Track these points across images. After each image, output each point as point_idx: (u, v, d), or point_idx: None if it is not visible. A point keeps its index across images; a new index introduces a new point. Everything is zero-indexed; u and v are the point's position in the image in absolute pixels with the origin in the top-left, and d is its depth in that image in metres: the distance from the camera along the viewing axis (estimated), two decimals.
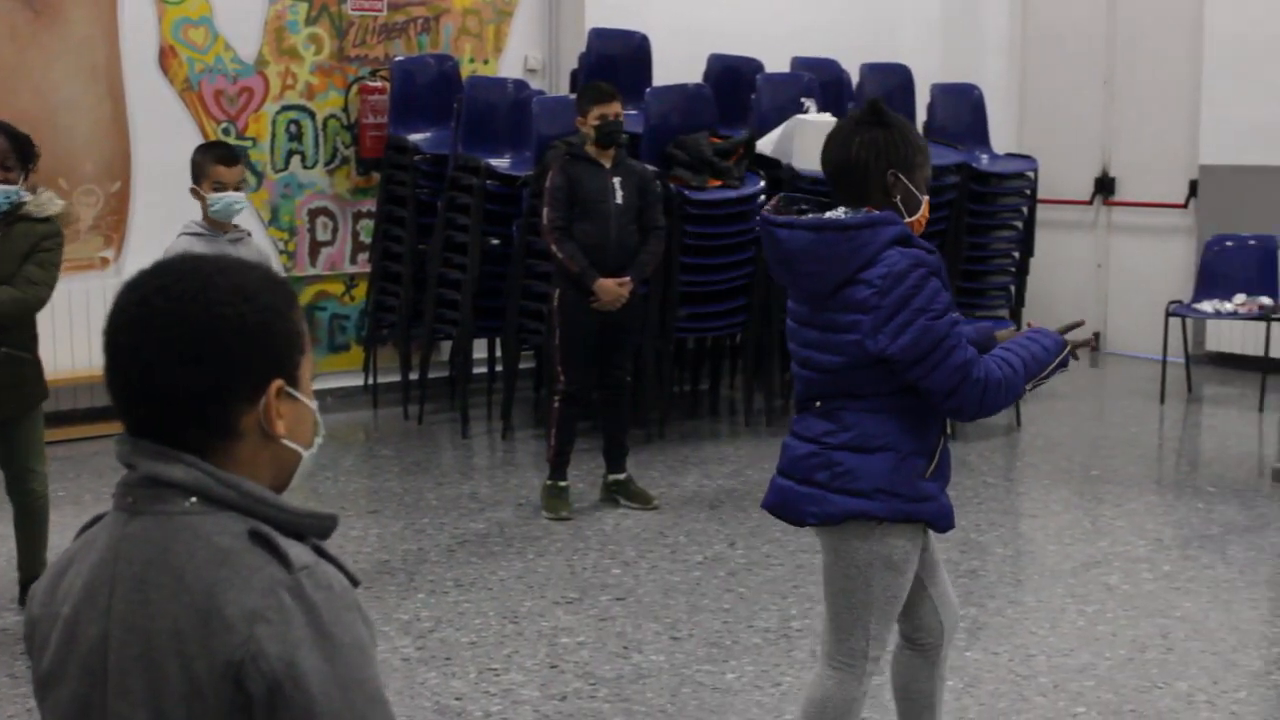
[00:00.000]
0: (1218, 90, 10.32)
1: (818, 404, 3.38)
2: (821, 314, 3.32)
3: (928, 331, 3.21)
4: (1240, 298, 9.30)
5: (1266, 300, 9.19)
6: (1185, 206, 10.73)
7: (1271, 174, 8.64)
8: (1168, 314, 9.45)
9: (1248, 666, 4.91)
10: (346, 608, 1.70)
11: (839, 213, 3.31)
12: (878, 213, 3.27)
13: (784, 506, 3.46)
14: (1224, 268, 9.60)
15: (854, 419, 3.33)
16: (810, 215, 3.33)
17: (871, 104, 3.38)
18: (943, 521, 3.41)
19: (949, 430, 3.50)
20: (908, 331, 3.20)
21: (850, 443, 3.32)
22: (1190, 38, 10.59)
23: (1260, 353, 9.26)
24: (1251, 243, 9.59)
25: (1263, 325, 9.23)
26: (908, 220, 3.32)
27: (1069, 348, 3.45)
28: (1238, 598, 5.63)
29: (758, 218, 3.52)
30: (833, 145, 3.36)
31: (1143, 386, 9.76)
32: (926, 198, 3.39)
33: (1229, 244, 9.69)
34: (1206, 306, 9.40)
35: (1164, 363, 9.41)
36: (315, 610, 1.66)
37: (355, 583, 1.75)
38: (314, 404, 1.86)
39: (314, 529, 1.79)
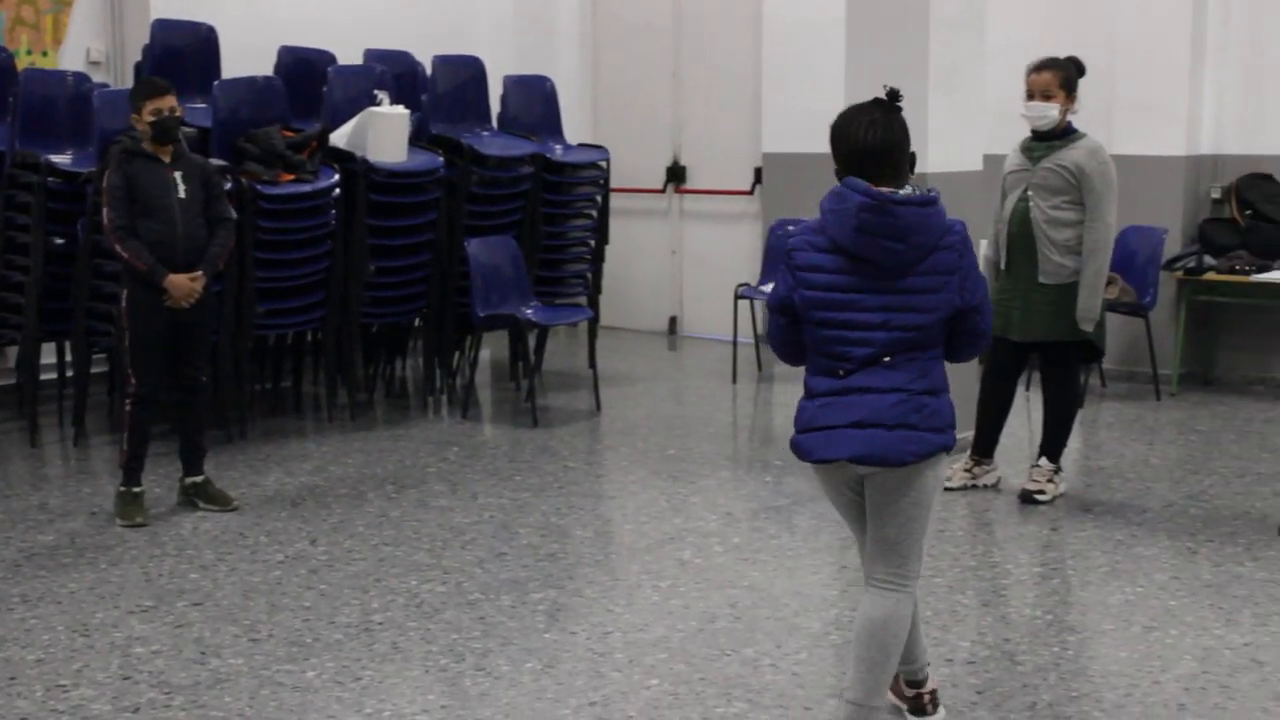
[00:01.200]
0: (777, 81, 10.81)
1: (886, 359, 3.89)
2: (907, 279, 3.86)
3: (982, 282, 3.95)
4: None
5: None
6: (751, 193, 11.20)
7: (828, 161, 9.04)
8: (736, 296, 9.84)
9: (809, 629, 5.18)
10: None
11: (909, 190, 3.87)
12: (926, 190, 3.91)
13: (877, 453, 3.90)
14: None
15: (928, 367, 3.93)
16: (914, 193, 3.86)
17: (893, 91, 3.99)
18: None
19: None
20: (981, 285, 3.94)
21: (929, 388, 3.93)
22: (751, 30, 11.06)
23: None
24: None
25: None
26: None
27: None
28: (801, 565, 5.93)
29: (863, 199, 3.86)
30: (875, 128, 3.94)
31: (716, 367, 10.15)
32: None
33: (791, 228, 10.14)
34: (771, 289, 9.81)
35: (735, 344, 9.80)
36: None
37: None
38: None
39: None
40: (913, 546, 4.03)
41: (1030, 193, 6.55)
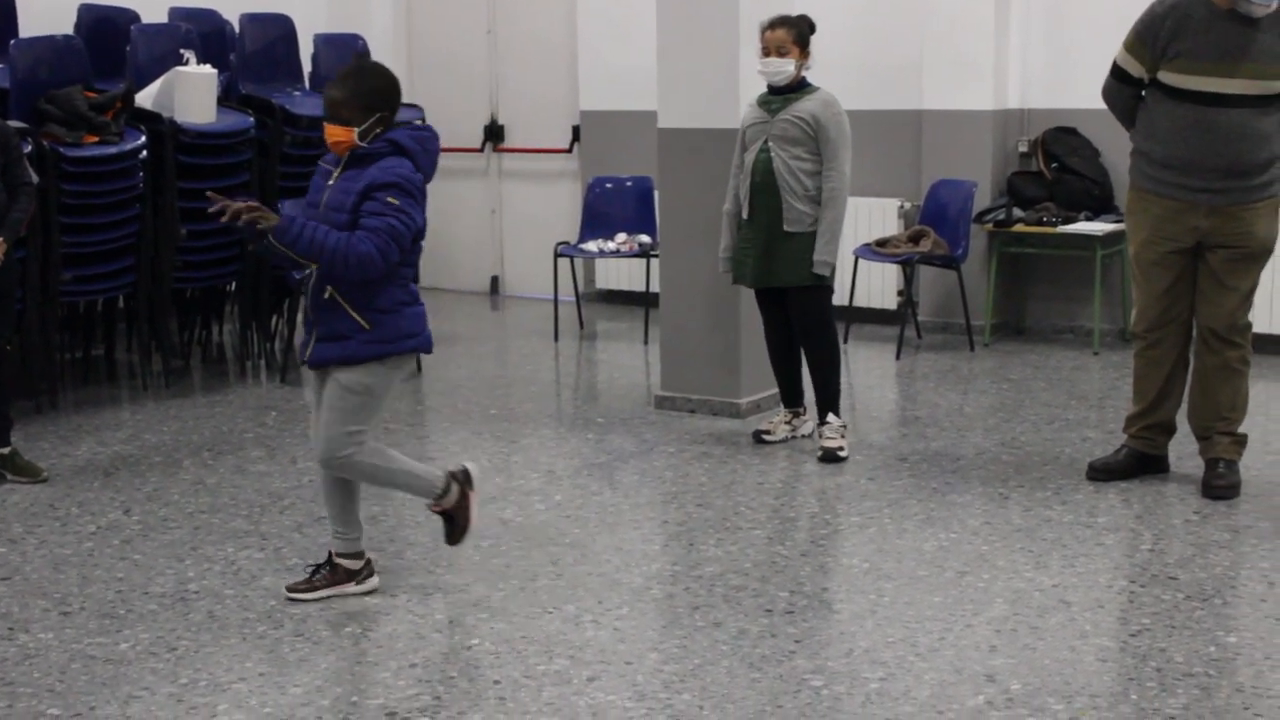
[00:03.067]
0: (593, 40, 10.80)
1: None
2: None
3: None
4: (621, 237, 9.79)
5: (645, 238, 9.71)
6: (570, 151, 11.18)
7: (645, 118, 9.10)
8: (556, 255, 9.83)
9: (630, 584, 5.21)
10: None
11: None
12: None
13: None
14: (606, 208, 10.08)
15: None
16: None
17: (356, 57, 5.04)
18: None
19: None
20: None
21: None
22: None
23: (643, 288, 9.78)
24: (629, 184, 10.10)
25: (643, 262, 9.76)
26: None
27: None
28: (623, 520, 5.96)
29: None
30: None
31: (538, 326, 10.13)
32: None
33: (609, 186, 10.17)
34: (591, 246, 9.84)
35: (555, 302, 9.79)
36: None
37: None
38: None
39: None
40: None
41: (770, 144, 6.66)
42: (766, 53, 6.65)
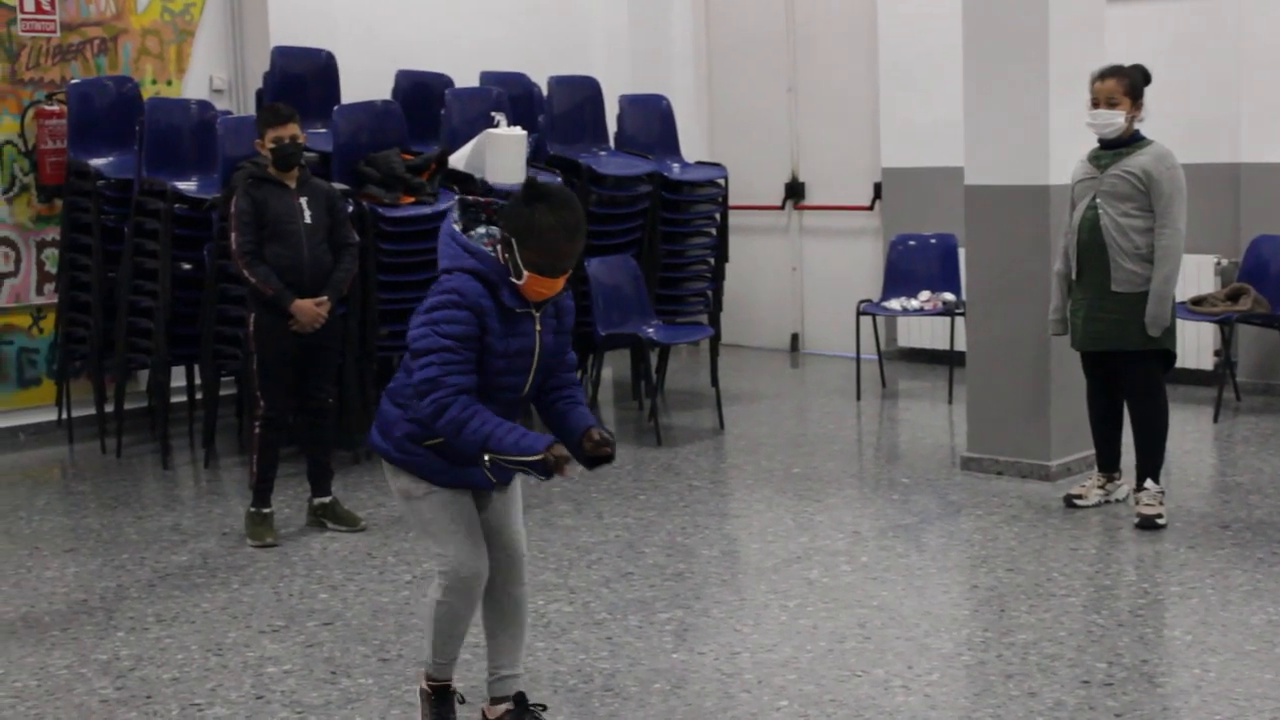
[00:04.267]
0: (895, 96, 10.72)
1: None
2: None
3: (425, 338, 3.97)
4: (925, 294, 9.67)
5: (949, 296, 9.58)
6: (871, 209, 11.11)
7: (948, 175, 9.00)
8: (859, 313, 9.76)
9: (940, 649, 5.10)
10: None
11: (482, 230, 4.12)
12: (481, 246, 4.04)
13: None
14: (908, 266, 9.98)
15: (399, 378, 4.25)
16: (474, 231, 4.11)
17: (529, 182, 4.05)
18: (436, 478, 4.21)
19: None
20: (416, 327, 4.03)
21: (391, 393, 4.27)
22: (866, 44, 10.98)
23: (946, 346, 9.63)
24: (933, 241, 9.99)
25: (947, 320, 9.62)
26: (513, 279, 4.00)
27: (545, 460, 3.92)
28: (931, 584, 5.85)
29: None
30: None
31: (839, 384, 10.06)
32: (542, 278, 3.99)
33: (912, 243, 10.07)
34: (894, 304, 9.75)
35: (858, 360, 9.71)
36: None
37: None
38: None
39: None
40: (424, 543, 4.60)
41: (1099, 200, 6.46)
42: (1096, 104, 6.48)
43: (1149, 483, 6.56)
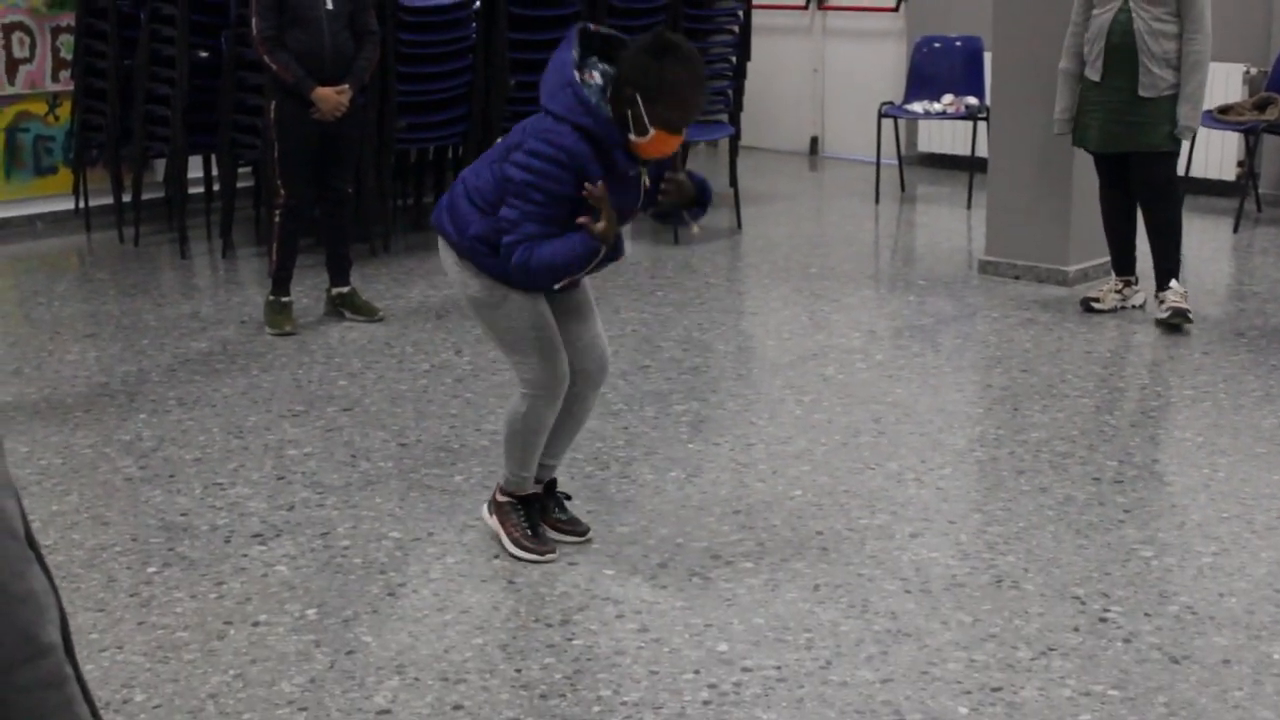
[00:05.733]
0: None
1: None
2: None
3: (515, 180, 3.86)
4: (948, 98, 9.56)
5: (973, 100, 9.47)
6: (896, 10, 10.93)
7: None
8: (880, 115, 9.67)
9: (953, 445, 5.15)
10: None
11: (597, 73, 3.91)
12: (598, 104, 3.82)
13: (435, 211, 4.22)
14: (932, 69, 9.85)
15: (485, 179, 4.03)
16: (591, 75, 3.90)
17: (659, 34, 3.87)
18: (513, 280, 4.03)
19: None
20: (515, 166, 3.86)
21: (471, 193, 4.05)
22: None
23: (968, 152, 9.56)
24: (958, 44, 9.84)
25: (969, 125, 9.52)
26: (632, 137, 3.83)
27: (602, 245, 3.88)
28: (945, 382, 5.89)
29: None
30: (626, 47, 3.93)
31: (858, 187, 10.01)
32: (667, 135, 3.82)
33: (937, 46, 9.92)
34: (917, 107, 9.64)
35: (878, 164, 9.64)
36: None
37: None
38: None
39: None
40: (502, 353, 4.28)
41: (1132, 4, 6.35)
42: None
43: (1173, 282, 6.57)
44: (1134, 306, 6.83)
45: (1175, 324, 6.47)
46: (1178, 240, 6.63)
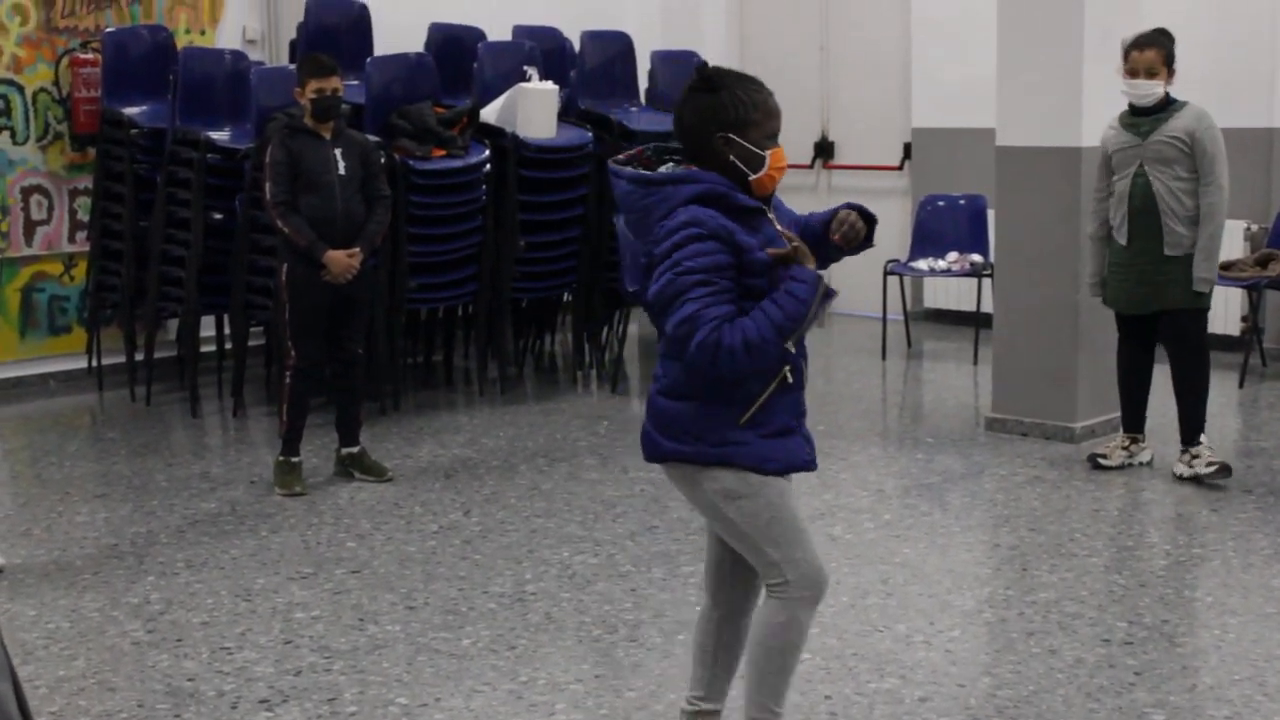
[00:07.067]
0: (926, 55, 10.69)
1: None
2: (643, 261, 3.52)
3: (671, 285, 3.37)
4: (953, 255, 9.67)
5: (977, 257, 9.57)
6: (900, 169, 11.10)
7: (978, 135, 8.98)
8: (886, 273, 9.77)
9: (961, 606, 5.14)
10: None
11: (666, 167, 3.52)
12: (686, 170, 3.47)
13: (642, 444, 3.68)
14: (937, 227, 9.97)
15: (669, 366, 3.56)
16: (631, 169, 3.52)
17: (699, 70, 3.54)
18: (768, 465, 3.54)
19: (790, 379, 3.54)
20: (658, 281, 3.41)
21: (664, 389, 3.57)
22: (899, 2, 10.94)
23: (973, 308, 9.63)
24: (962, 202, 9.97)
25: (974, 281, 9.61)
26: (752, 177, 3.47)
27: (819, 282, 3.41)
28: (954, 542, 5.89)
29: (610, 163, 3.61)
30: (674, 110, 3.57)
31: (865, 344, 10.08)
32: (776, 148, 3.51)
33: (941, 204, 10.06)
34: (922, 265, 9.75)
35: (884, 320, 9.72)
36: None
37: None
38: None
39: None
40: (754, 556, 3.61)
41: (1147, 167, 6.48)
42: (1134, 74, 6.49)
43: (1202, 438, 6.64)
44: (1141, 464, 6.84)
45: (1217, 480, 6.51)
46: (1205, 397, 6.69)
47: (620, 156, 3.61)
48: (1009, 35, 7.35)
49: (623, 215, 3.58)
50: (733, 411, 3.51)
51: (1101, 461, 6.81)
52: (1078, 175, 7.11)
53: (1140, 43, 6.50)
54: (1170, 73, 6.48)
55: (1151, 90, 6.46)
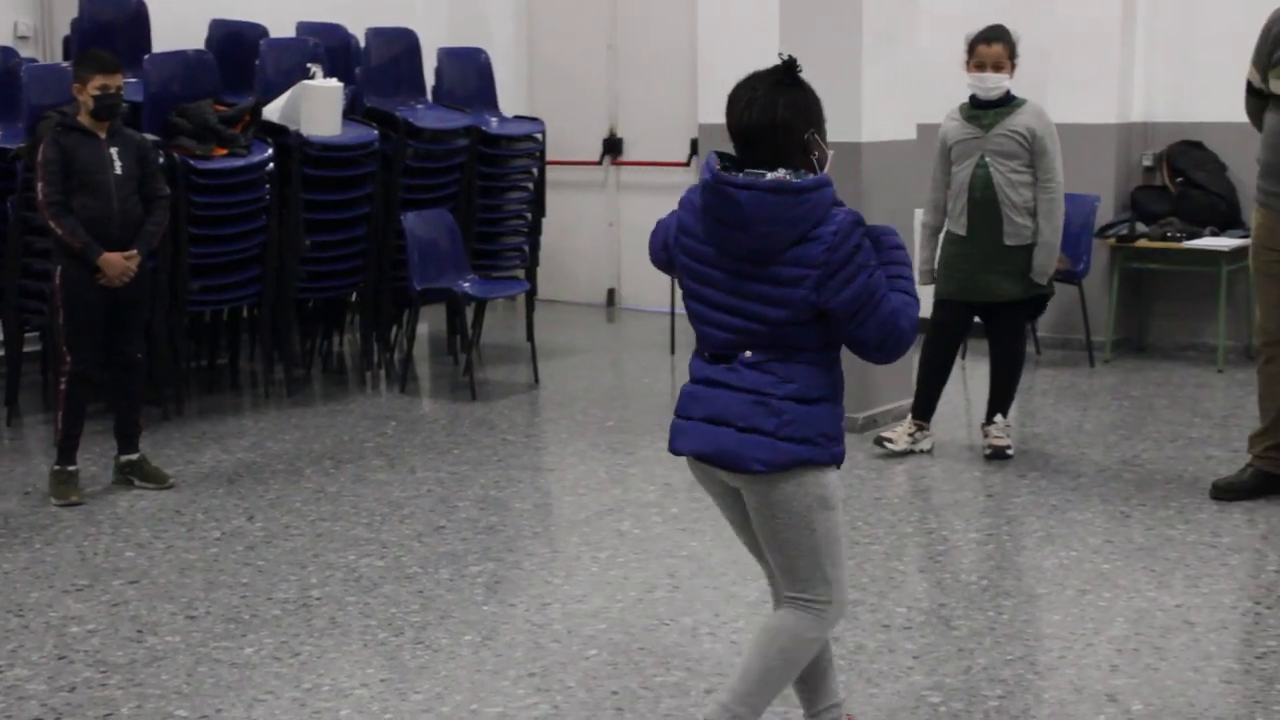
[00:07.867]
0: (712, 53, 10.79)
1: (749, 355, 3.48)
2: (769, 268, 3.41)
3: (865, 287, 3.40)
4: None
5: None
6: (688, 165, 11.21)
7: None
8: None
9: (746, 598, 5.21)
10: None
11: (780, 174, 3.40)
12: (814, 175, 3.42)
13: (725, 453, 3.51)
14: None
15: (799, 371, 3.47)
16: (767, 177, 3.40)
17: (789, 62, 3.49)
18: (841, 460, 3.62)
19: None
20: (850, 287, 3.39)
21: (796, 394, 3.47)
22: (685, 2, 11.03)
23: None
24: None
25: None
26: (823, 173, 3.46)
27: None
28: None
29: (707, 176, 3.46)
30: (754, 107, 3.46)
31: (655, 338, 10.15)
32: (832, 151, 3.50)
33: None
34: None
35: (673, 314, 9.80)
36: None
37: None
38: None
39: None
40: (808, 570, 3.57)
41: (988, 159, 6.71)
42: (982, 67, 6.70)
43: (998, 417, 6.96)
44: (922, 451, 7.01)
45: (998, 456, 6.91)
46: (1018, 378, 7.08)
47: (715, 168, 3.46)
48: (791, 35, 7.45)
49: (738, 227, 3.42)
50: (841, 410, 3.62)
51: (887, 444, 6.97)
52: (858, 170, 7.21)
53: (988, 37, 6.73)
54: (1014, 67, 6.74)
55: (999, 84, 6.72)
